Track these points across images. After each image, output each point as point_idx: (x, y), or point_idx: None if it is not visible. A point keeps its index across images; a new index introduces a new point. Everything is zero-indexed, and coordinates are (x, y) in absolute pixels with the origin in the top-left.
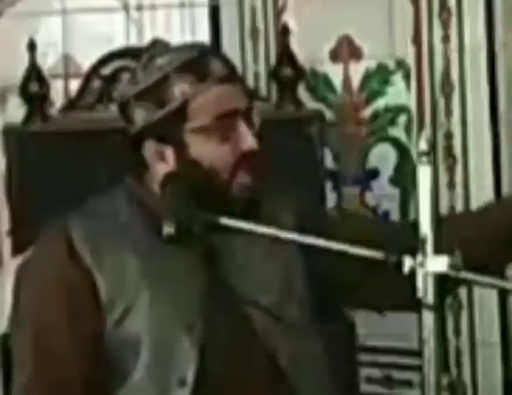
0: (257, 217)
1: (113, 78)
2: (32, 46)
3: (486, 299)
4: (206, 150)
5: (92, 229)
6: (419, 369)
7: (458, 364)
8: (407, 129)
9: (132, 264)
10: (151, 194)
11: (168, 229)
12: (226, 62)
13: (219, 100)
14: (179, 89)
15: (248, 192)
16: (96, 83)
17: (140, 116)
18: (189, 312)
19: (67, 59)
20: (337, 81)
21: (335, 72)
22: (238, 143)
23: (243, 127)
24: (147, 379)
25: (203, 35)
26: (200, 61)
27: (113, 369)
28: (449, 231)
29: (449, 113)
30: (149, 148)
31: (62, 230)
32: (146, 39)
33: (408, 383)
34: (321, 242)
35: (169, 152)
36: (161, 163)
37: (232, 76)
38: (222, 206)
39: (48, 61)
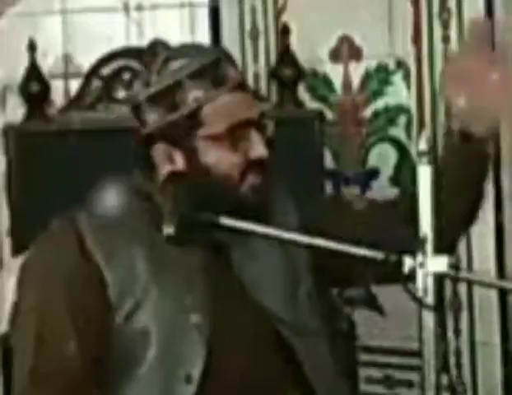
0: (265, 220)
1: (113, 78)
2: (32, 46)
3: (486, 299)
4: (216, 157)
5: (101, 225)
6: (419, 369)
7: (458, 365)
8: (407, 129)
9: (141, 259)
10: (158, 191)
11: (167, 229)
12: (237, 68)
13: (232, 108)
14: (192, 95)
15: (257, 193)
16: (96, 83)
17: (151, 118)
18: (199, 309)
19: (67, 59)
20: (337, 81)
21: (335, 72)
22: (248, 151)
23: (255, 137)
24: (154, 374)
25: (203, 35)
26: (214, 67)
27: (120, 364)
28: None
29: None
30: (158, 150)
31: (72, 225)
32: (146, 39)
33: (408, 383)
34: (321, 242)
35: (179, 156)
36: (169, 165)
37: (244, 82)
38: (232, 208)
39: (48, 61)
